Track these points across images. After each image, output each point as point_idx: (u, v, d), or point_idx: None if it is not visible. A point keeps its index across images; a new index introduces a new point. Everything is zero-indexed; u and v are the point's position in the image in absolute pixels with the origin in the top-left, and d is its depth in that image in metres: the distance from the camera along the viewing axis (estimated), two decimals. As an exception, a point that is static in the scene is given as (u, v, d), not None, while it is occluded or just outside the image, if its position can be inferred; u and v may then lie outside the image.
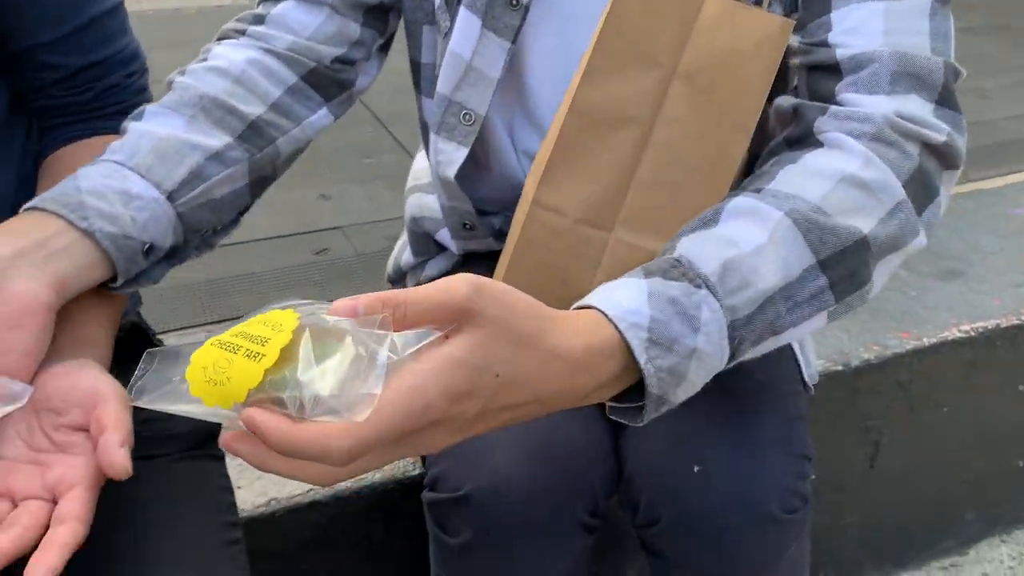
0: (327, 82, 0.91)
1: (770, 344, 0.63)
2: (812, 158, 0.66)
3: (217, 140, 0.76)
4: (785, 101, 0.72)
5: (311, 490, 1.03)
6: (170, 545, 0.68)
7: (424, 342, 0.50)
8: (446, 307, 0.50)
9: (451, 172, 0.90)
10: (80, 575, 0.66)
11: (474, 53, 0.83)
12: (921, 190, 0.67)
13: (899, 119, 0.66)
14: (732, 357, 0.60)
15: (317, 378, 0.46)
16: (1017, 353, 1.65)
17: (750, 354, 0.62)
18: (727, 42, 0.62)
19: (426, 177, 1.08)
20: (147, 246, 0.67)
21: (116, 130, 0.76)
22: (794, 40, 0.75)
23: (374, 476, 1.06)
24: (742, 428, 0.81)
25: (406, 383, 0.48)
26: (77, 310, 0.63)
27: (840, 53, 0.68)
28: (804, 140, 0.69)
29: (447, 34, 0.85)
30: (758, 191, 0.65)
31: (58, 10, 0.71)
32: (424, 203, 1.05)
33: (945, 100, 0.69)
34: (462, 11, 0.83)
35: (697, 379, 0.58)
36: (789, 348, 0.94)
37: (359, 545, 1.08)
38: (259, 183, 0.85)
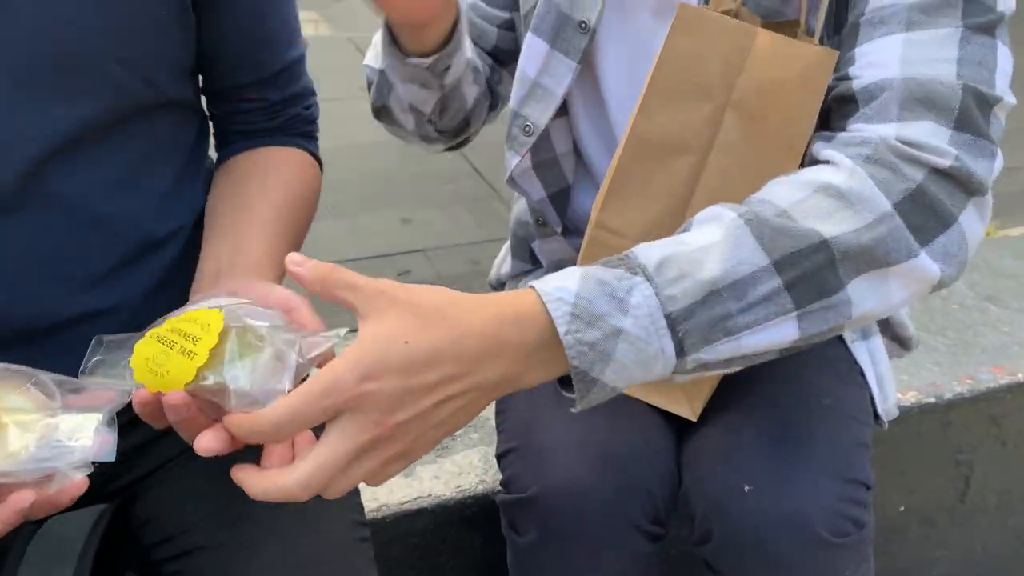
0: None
1: (728, 348, 0.60)
2: (804, 172, 0.66)
3: None
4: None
5: (419, 497, 1.07)
6: (311, 540, 0.74)
7: (325, 347, 0.57)
8: (360, 291, 0.56)
9: (505, 177, 0.98)
10: (227, 568, 0.72)
11: (540, 72, 0.90)
12: (926, 214, 0.63)
13: (899, 143, 0.64)
14: (681, 352, 0.59)
15: (240, 375, 0.55)
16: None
17: (707, 354, 0.60)
18: (776, 73, 0.66)
19: None
20: None
21: (289, 144, 0.89)
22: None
23: (476, 487, 1.09)
24: (796, 451, 0.81)
25: (325, 368, 0.54)
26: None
27: (856, 84, 0.69)
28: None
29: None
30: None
31: (266, 57, 0.86)
32: (525, 208, 1.10)
33: (964, 125, 0.65)
34: (528, 35, 0.90)
35: (627, 362, 0.57)
36: (863, 377, 0.94)
37: (462, 552, 1.11)
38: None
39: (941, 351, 1.55)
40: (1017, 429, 1.55)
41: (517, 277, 1.13)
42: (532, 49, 0.90)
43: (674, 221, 0.68)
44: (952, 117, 0.65)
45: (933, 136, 0.65)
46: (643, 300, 0.58)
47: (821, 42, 0.74)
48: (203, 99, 0.90)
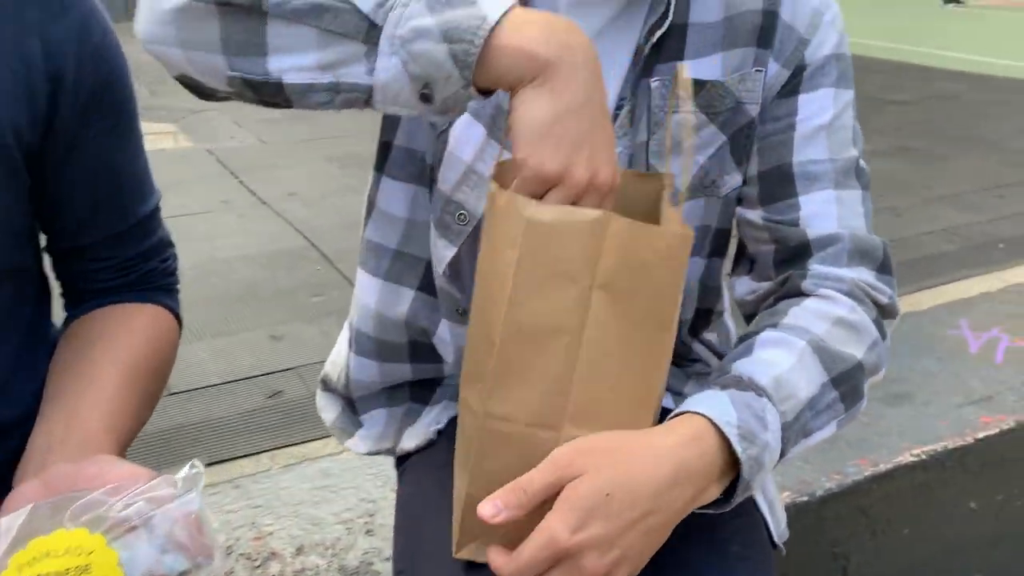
0: None
1: (801, 446, 0.78)
2: (811, 303, 0.84)
3: None
4: (763, 273, 0.90)
5: None
6: None
7: (163, 491, 0.56)
8: (557, 480, 0.66)
9: (440, 269, 0.92)
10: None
11: (476, 158, 0.86)
12: (883, 335, 0.86)
13: (859, 284, 0.85)
14: (783, 454, 0.75)
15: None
16: (966, 472, 1.71)
17: (791, 452, 0.77)
18: (636, 255, 0.68)
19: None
20: None
21: (145, 300, 0.85)
22: (758, 215, 0.89)
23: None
24: None
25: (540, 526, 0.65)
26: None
27: (811, 234, 0.86)
28: (793, 295, 0.87)
29: (442, 133, 0.86)
30: (775, 326, 0.81)
31: (116, 214, 0.81)
32: (416, 308, 1.01)
33: (884, 269, 0.88)
34: (465, 116, 0.84)
35: (767, 468, 0.73)
36: (761, 514, 0.97)
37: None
38: None
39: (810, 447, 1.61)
40: (885, 518, 1.61)
41: (398, 384, 1.05)
42: (468, 133, 0.86)
43: (559, 399, 0.69)
44: (878, 264, 0.87)
45: (875, 279, 0.86)
46: (773, 418, 0.73)
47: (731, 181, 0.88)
48: (46, 259, 0.84)
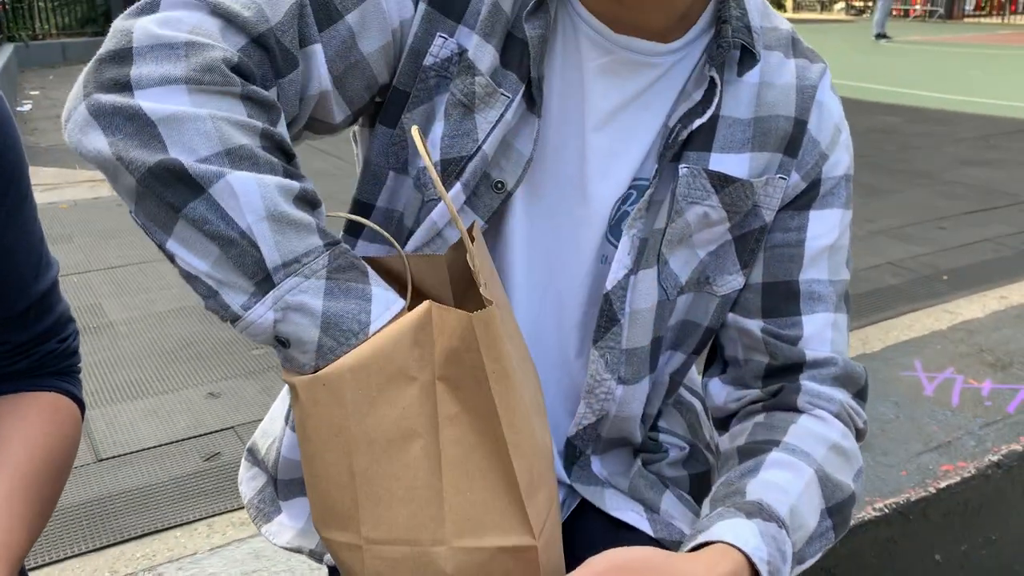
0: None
1: (797, 570, 0.77)
2: (808, 423, 0.85)
3: None
4: (744, 380, 0.90)
5: None
6: None
7: None
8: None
9: None
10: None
11: (448, 224, 0.83)
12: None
13: (844, 407, 0.87)
14: None
15: None
16: (929, 524, 1.67)
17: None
18: (448, 341, 0.64)
19: None
20: None
21: (40, 388, 0.76)
22: (756, 325, 0.88)
23: None
24: None
25: None
26: None
27: (808, 355, 0.87)
28: (783, 407, 0.87)
29: (429, 201, 0.82)
30: (778, 444, 0.82)
31: (9, 296, 0.73)
32: None
33: (862, 395, 0.90)
34: (457, 185, 0.81)
35: None
36: None
37: None
38: None
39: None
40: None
41: None
42: (453, 198, 0.81)
43: (432, 508, 0.65)
44: (858, 390, 0.90)
45: (856, 404, 0.89)
46: (788, 550, 0.74)
47: (734, 282, 0.88)
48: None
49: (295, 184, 0.65)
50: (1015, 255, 3.76)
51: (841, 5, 27.94)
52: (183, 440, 2.28)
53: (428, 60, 0.79)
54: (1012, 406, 2.07)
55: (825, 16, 26.50)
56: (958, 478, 1.72)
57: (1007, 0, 25.22)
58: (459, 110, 0.79)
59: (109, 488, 2.03)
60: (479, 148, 0.80)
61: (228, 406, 2.46)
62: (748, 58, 0.83)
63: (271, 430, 1.00)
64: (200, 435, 2.30)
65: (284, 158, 0.67)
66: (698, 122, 0.80)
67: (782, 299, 0.88)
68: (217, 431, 2.32)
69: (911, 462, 1.75)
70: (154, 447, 2.24)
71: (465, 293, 0.77)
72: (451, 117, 0.80)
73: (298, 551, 0.95)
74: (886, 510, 1.60)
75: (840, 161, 0.88)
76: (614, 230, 0.84)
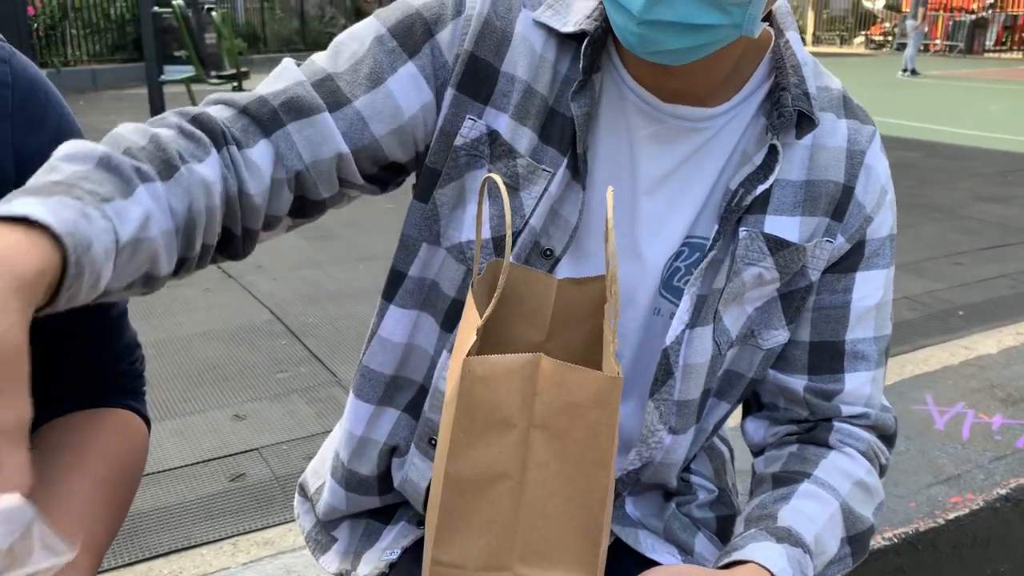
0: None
1: None
2: (837, 459, 0.90)
3: None
4: (781, 421, 0.96)
5: None
6: None
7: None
8: None
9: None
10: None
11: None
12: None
13: (871, 447, 0.93)
14: None
15: None
16: (937, 555, 1.70)
17: None
18: (567, 396, 0.69)
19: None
20: None
21: (116, 404, 0.83)
22: (800, 384, 0.92)
23: None
24: None
25: None
26: None
27: (845, 411, 0.93)
28: (816, 442, 0.93)
29: (468, 272, 0.86)
30: (808, 476, 0.88)
31: (87, 314, 0.73)
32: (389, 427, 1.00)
33: (890, 440, 0.96)
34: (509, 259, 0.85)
35: None
36: None
37: None
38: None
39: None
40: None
41: (357, 516, 1.04)
42: None
43: (506, 541, 0.70)
44: (887, 436, 0.95)
45: (883, 444, 0.95)
46: (811, 570, 0.81)
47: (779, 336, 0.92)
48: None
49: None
50: (1032, 291, 3.78)
51: (861, 39, 28.04)
52: (209, 460, 2.33)
53: (459, 141, 0.83)
54: (1021, 441, 2.10)
55: (845, 50, 26.58)
56: (967, 510, 1.75)
57: (1027, 36, 25.22)
58: (500, 196, 0.83)
59: (137, 506, 2.09)
60: (526, 223, 0.83)
61: (253, 428, 2.51)
62: (806, 122, 0.84)
63: (320, 471, 1.05)
64: (225, 456, 2.35)
65: (158, 162, 0.66)
66: (761, 188, 0.83)
67: (828, 358, 0.92)
68: (242, 452, 2.38)
69: (921, 493, 1.79)
70: (180, 467, 2.29)
71: (560, 329, 0.80)
72: (497, 197, 0.84)
73: (341, 575, 1.02)
74: (896, 540, 1.63)
75: (884, 222, 0.91)
76: (667, 285, 0.87)
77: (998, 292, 3.78)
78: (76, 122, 0.80)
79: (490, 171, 0.84)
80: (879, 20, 27.74)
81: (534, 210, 0.83)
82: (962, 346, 2.95)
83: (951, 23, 24.28)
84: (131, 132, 0.68)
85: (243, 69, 8.74)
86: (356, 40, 0.83)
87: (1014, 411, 2.29)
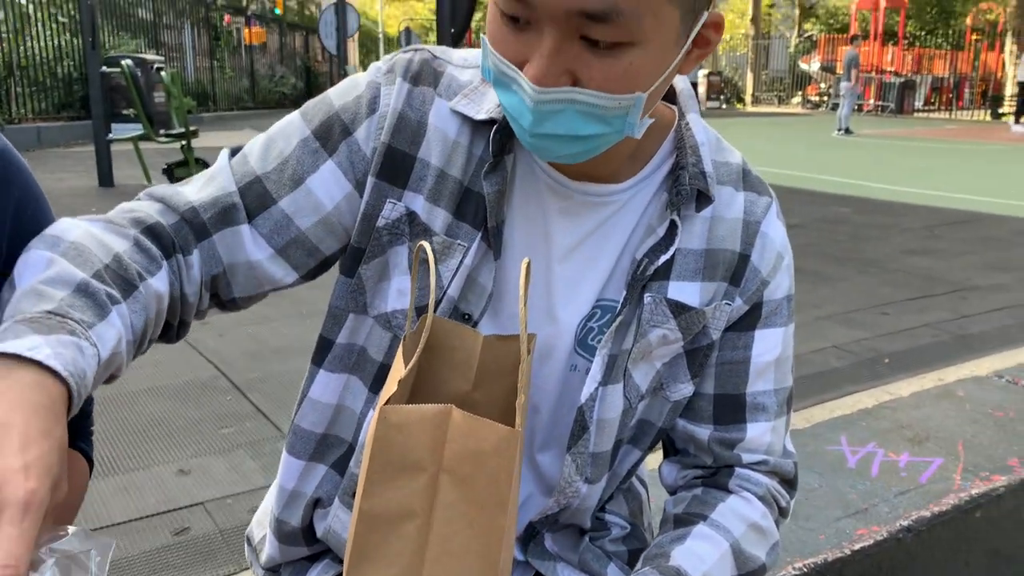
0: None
1: None
2: (734, 503, 0.97)
3: None
4: (691, 465, 1.03)
5: None
6: None
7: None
8: None
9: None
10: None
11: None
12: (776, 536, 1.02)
13: (770, 491, 0.99)
14: None
15: None
16: (846, 584, 1.82)
17: None
18: (473, 444, 0.77)
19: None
20: None
21: None
22: (705, 433, 0.99)
23: None
24: None
25: None
26: None
27: (745, 459, 1.00)
28: (718, 486, 1.00)
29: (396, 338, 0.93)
30: (705, 518, 0.95)
31: None
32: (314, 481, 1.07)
33: (791, 484, 1.03)
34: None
35: None
36: None
37: None
38: None
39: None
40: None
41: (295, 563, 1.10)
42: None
43: (413, 573, 0.78)
44: (788, 480, 1.02)
45: (783, 489, 1.01)
46: None
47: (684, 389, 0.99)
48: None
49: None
50: (952, 340, 3.97)
51: (798, 99, 29.04)
52: (153, 515, 2.36)
53: (380, 222, 0.91)
54: (924, 477, 2.24)
55: (784, 109, 27.46)
56: (871, 541, 1.87)
57: (954, 96, 26.39)
58: (423, 266, 0.90)
59: (81, 560, 2.11)
60: (445, 292, 0.91)
61: (197, 483, 2.55)
62: (703, 198, 0.92)
63: (264, 522, 1.12)
64: (170, 511, 2.38)
65: (121, 282, 0.76)
66: (663, 258, 0.91)
67: (729, 410, 0.99)
68: (187, 507, 2.41)
69: (830, 526, 1.91)
70: (125, 522, 2.32)
71: (485, 381, 0.87)
72: (420, 272, 0.90)
73: None
74: (805, 569, 1.74)
75: (781, 284, 0.98)
76: (581, 343, 0.94)
77: (922, 340, 3.97)
78: (38, 184, 0.84)
79: (410, 248, 0.92)
80: (815, 80, 28.81)
81: (451, 281, 0.91)
82: (888, 392, 3.10)
83: (882, 84, 25.32)
84: (94, 245, 0.77)
85: (192, 128, 8.65)
86: (284, 139, 0.92)
87: (919, 449, 2.44)
